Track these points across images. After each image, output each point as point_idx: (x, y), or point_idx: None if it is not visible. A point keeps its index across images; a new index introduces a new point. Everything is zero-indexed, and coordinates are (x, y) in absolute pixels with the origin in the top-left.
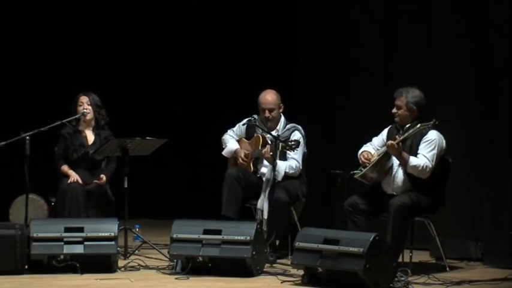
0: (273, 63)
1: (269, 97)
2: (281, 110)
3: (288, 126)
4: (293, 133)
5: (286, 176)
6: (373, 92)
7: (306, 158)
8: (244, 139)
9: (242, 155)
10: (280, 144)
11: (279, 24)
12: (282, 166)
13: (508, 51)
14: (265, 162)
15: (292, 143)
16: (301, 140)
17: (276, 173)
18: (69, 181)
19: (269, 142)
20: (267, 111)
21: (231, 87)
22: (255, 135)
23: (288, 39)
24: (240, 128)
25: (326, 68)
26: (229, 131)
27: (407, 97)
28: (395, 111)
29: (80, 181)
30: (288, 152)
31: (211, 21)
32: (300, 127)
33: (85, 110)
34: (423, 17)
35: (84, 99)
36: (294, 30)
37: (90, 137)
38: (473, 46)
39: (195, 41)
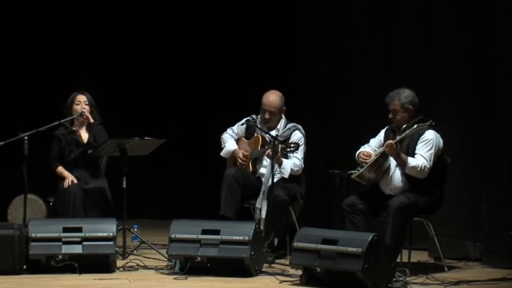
0: (273, 63)
1: (273, 100)
2: (283, 113)
3: (288, 125)
4: (293, 133)
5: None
6: (372, 92)
7: (305, 158)
8: (243, 138)
9: (241, 155)
10: (280, 146)
11: (279, 24)
12: (288, 163)
13: (508, 51)
14: (264, 162)
15: (292, 145)
16: (302, 140)
17: (283, 170)
18: (65, 183)
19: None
20: (267, 113)
21: (231, 87)
22: (255, 135)
23: (288, 39)
24: (239, 127)
25: (325, 68)
26: (228, 129)
27: (401, 99)
28: (392, 116)
29: (76, 181)
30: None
31: (211, 21)
32: (300, 127)
33: (83, 110)
34: (423, 17)
35: (81, 98)
36: (294, 30)
37: (84, 135)
38: (472, 46)
39: (195, 41)
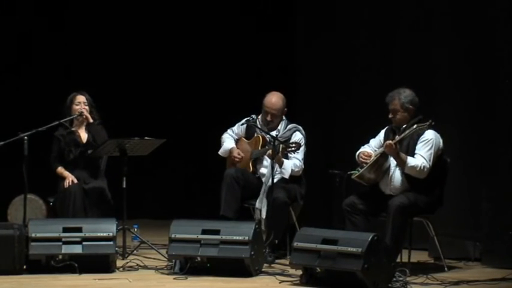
0: (272, 63)
1: (275, 102)
2: (284, 114)
3: (289, 126)
4: (294, 133)
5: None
6: (372, 92)
7: (305, 159)
8: (243, 139)
9: (235, 154)
10: (281, 146)
11: (278, 24)
12: (289, 164)
13: (508, 51)
14: (265, 162)
15: (293, 145)
16: (303, 141)
17: (283, 170)
18: (65, 183)
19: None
20: (269, 116)
21: (230, 87)
22: (255, 135)
23: (287, 39)
24: (239, 127)
25: (325, 68)
26: (228, 130)
27: (401, 99)
28: (392, 116)
29: (76, 181)
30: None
31: (211, 21)
32: (300, 128)
33: (83, 110)
34: (423, 17)
35: (81, 98)
36: (293, 30)
37: (83, 135)
38: (472, 46)
39: (195, 41)
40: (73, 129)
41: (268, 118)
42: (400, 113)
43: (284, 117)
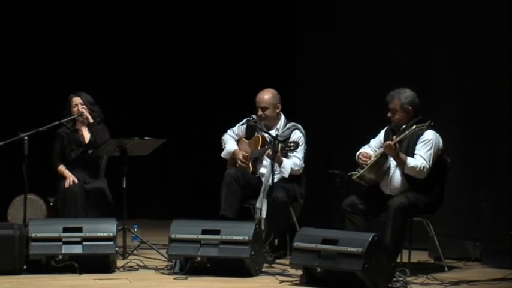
0: (272, 63)
1: (264, 95)
2: (278, 110)
3: (288, 125)
4: (293, 132)
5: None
6: (372, 92)
7: (305, 158)
8: (244, 139)
9: (241, 157)
10: (280, 145)
11: (278, 23)
12: (288, 163)
13: (508, 51)
14: (264, 162)
15: (291, 144)
16: (302, 139)
17: (283, 169)
18: (66, 183)
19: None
20: (259, 110)
21: (230, 87)
22: (255, 135)
23: (287, 39)
24: (239, 128)
25: (324, 68)
26: (229, 131)
27: (401, 99)
28: (391, 115)
29: (76, 181)
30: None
31: (210, 21)
32: (300, 126)
33: (83, 110)
34: (422, 17)
35: (77, 100)
36: (293, 29)
37: (86, 135)
38: (472, 45)
39: (194, 41)
40: (76, 128)
41: (259, 112)
42: (398, 113)
43: (283, 116)
